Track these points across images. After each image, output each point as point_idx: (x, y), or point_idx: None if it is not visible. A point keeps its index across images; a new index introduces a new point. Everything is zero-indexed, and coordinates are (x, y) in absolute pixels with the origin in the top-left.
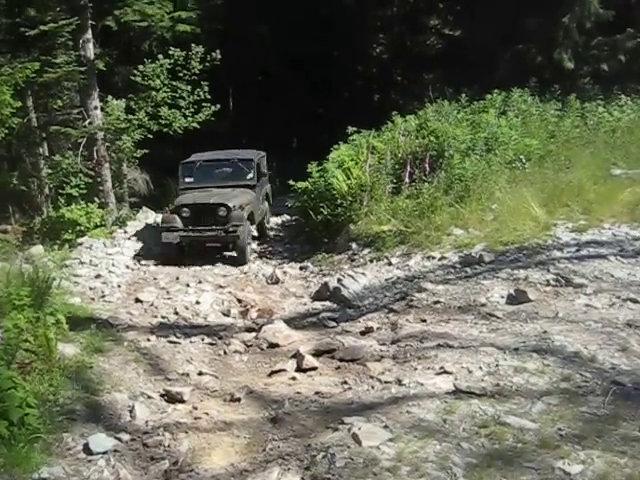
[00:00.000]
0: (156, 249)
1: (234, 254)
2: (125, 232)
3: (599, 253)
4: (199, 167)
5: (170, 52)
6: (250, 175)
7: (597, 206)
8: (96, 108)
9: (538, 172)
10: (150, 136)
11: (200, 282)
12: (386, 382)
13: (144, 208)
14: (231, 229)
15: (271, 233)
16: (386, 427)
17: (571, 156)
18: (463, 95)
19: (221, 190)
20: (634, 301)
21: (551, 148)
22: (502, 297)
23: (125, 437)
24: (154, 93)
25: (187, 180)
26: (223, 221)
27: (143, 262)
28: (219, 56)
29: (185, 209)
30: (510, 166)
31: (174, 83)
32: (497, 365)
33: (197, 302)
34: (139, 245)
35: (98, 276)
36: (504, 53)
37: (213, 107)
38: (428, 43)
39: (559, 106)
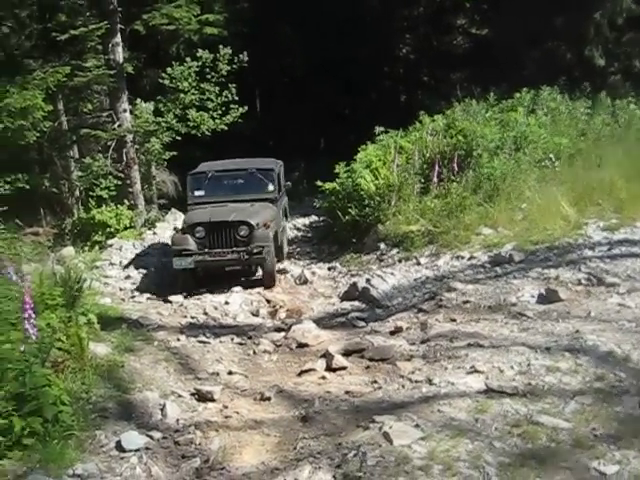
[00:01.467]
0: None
1: (258, 277)
2: (154, 233)
3: (632, 252)
4: (211, 178)
5: (198, 54)
6: (271, 187)
7: (629, 204)
8: (125, 111)
9: (568, 171)
10: (178, 138)
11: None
12: (416, 381)
13: (172, 210)
14: (255, 250)
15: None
16: (417, 426)
17: (602, 154)
18: (491, 94)
19: (238, 205)
20: None
21: (581, 146)
22: (533, 296)
23: (157, 435)
24: (182, 95)
25: (197, 194)
26: (245, 241)
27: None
28: (246, 58)
29: (199, 228)
30: (539, 165)
31: (202, 85)
32: (529, 364)
33: (226, 302)
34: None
35: (128, 277)
36: (532, 51)
37: (240, 109)
38: (455, 43)
39: (589, 104)
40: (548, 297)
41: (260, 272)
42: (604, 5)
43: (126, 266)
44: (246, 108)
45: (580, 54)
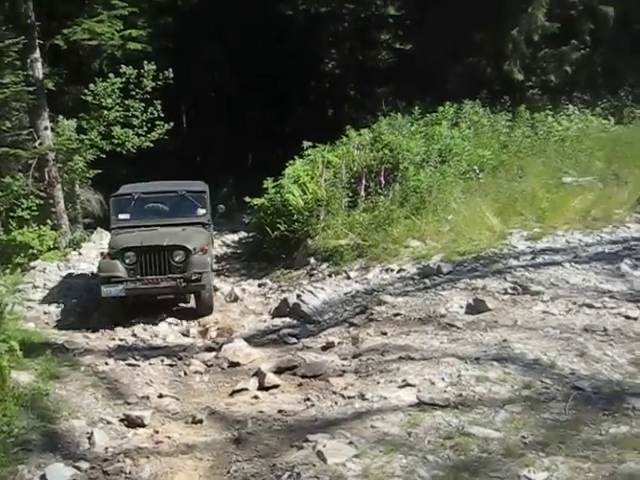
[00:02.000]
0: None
1: (193, 306)
2: (80, 254)
3: (554, 260)
4: (137, 201)
5: (121, 70)
6: (202, 211)
7: (550, 214)
8: (46, 128)
9: (492, 182)
10: (103, 156)
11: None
12: (349, 397)
13: (98, 229)
14: (194, 277)
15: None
16: (351, 443)
17: (523, 165)
18: (416, 108)
19: (169, 229)
20: (590, 306)
21: (503, 158)
22: (461, 307)
23: (84, 465)
24: (106, 112)
25: (122, 217)
26: (181, 268)
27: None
28: (171, 74)
29: (129, 253)
30: (464, 177)
31: (126, 102)
32: (459, 375)
33: (155, 323)
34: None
35: (53, 301)
36: (455, 66)
37: (166, 125)
38: (380, 57)
39: (510, 117)
40: (476, 307)
41: (192, 300)
42: (520, 22)
43: (50, 290)
44: (172, 124)
45: (500, 69)
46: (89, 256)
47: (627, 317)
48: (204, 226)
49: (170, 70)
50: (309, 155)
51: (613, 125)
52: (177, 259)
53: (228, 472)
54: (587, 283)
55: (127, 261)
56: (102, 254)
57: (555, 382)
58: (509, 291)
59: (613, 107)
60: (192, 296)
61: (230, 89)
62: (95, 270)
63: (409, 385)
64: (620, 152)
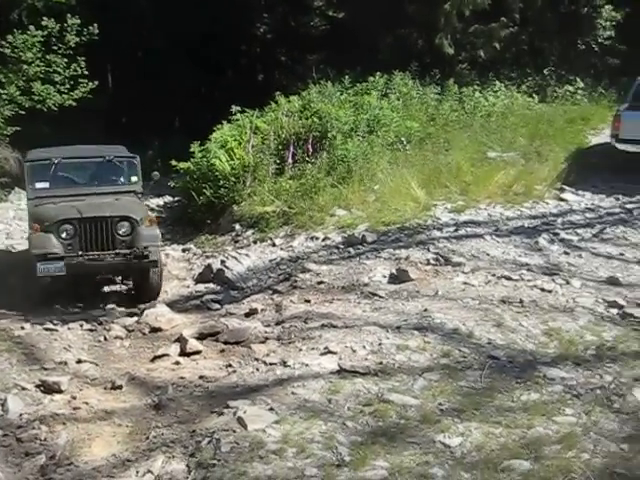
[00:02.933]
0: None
1: (135, 285)
2: None
3: (476, 233)
4: (57, 167)
5: (43, 23)
6: (134, 178)
7: (474, 187)
8: None
9: (418, 154)
10: (22, 112)
11: None
12: (271, 364)
13: (16, 189)
14: (145, 252)
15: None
16: (271, 409)
17: (450, 139)
18: (346, 77)
19: (101, 199)
20: (508, 278)
21: (431, 131)
22: (384, 277)
23: None
24: (25, 67)
25: (39, 186)
26: (127, 242)
27: None
28: (97, 30)
29: (67, 226)
30: (391, 148)
31: (48, 57)
32: (380, 344)
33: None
34: (12, 228)
35: None
36: (386, 36)
37: (90, 84)
38: (312, 24)
39: (438, 90)
40: (399, 277)
41: (130, 282)
42: None
43: None
44: (96, 83)
45: (431, 42)
46: (5, 216)
47: (542, 289)
48: (136, 195)
49: (95, 25)
50: (237, 120)
51: (537, 103)
52: (122, 231)
53: (147, 438)
54: (506, 256)
55: (64, 235)
56: (31, 228)
57: (472, 351)
58: (431, 262)
59: (538, 85)
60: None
61: (158, 49)
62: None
63: (331, 352)
64: (542, 130)
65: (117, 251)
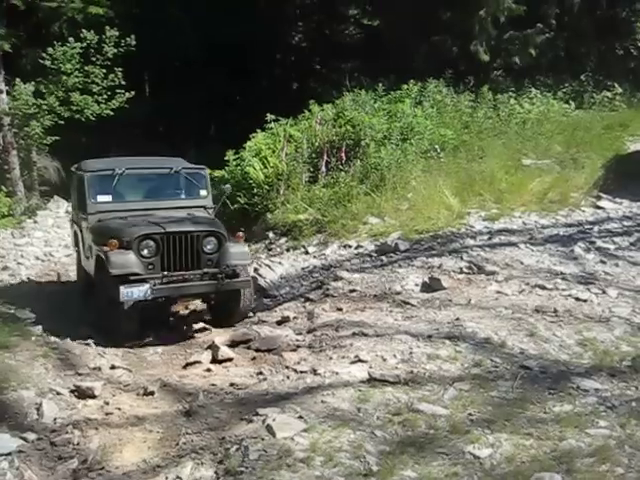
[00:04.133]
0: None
1: (219, 309)
2: (35, 222)
3: (510, 241)
4: (121, 180)
5: (82, 35)
6: (204, 192)
7: (508, 195)
8: (1, 92)
9: (452, 162)
10: (61, 122)
11: None
12: (301, 372)
13: (55, 197)
14: (236, 271)
15: None
16: (300, 417)
17: (484, 146)
18: (380, 85)
19: (173, 214)
20: (542, 287)
21: (465, 138)
22: (417, 285)
23: (31, 436)
24: (65, 77)
25: (101, 199)
26: (213, 260)
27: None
28: (134, 42)
29: (149, 242)
30: (425, 155)
31: (86, 68)
32: (411, 352)
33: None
34: (50, 235)
35: (5, 268)
36: (421, 44)
37: (127, 94)
38: (347, 32)
39: (473, 97)
40: (431, 285)
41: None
42: (487, 2)
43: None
44: (133, 93)
45: (465, 49)
46: (45, 224)
47: (577, 299)
48: (206, 211)
49: (132, 37)
50: (272, 129)
51: (573, 110)
52: (209, 248)
53: (177, 444)
54: (541, 264)
55: (145, 252)
56: (106, 245)
57: (504, 361)
58: (464, 270)
59: (574, 92)
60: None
61: (194, 58)
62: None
63: (361, 361)
64: (579, 137)
65: (205, 270)
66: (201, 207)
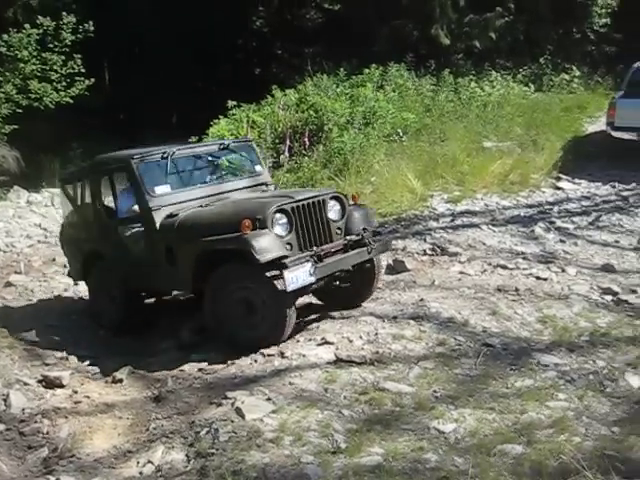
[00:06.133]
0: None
1: (355, 285)
2: None
3: (472, 222)
4: (174, 164)
5: (38, 21)
6: (259, 167)
7: (470, 177)
8: None
9: (415, 145)
10: (19, 111)
11: None
12: (269, 355)
13: (15, 187)
14: (374, 238)
15: None
16: (269, 399)
17: (446, 129)
18: (342, 69)
19: (243, 197)
20: (503, 267)
21: (427, 122)
22: (382, 267)
23: None
24: (22, 65)
25: (160, 190)
26: (342, 229)
27: None
28: (92, 28)
29: (282, 217)
30: (388, 139)
31: (44, 55)
32: (376, 333)
33: (76, 284)
34: (11, 226)
35: None
36: (382, 28)
37: (87, 81)
38: (308, 17)
39: (434, 81)
40: (395, 268)
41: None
42: None
43: None
44: (93, 80)
45: (426, 33)
46: (5, 215)
47: (538, 278)
48: (268, 188)
49: (90, 23)
50: (234, 114)
51: (533, 92)
52: (335, 216)
53: (147, 429)
54: (502, 245)
55: (279, 230)
56: (242, 224)
57: (467, 339)
58: (428, 252)
59: (534, 75)
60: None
61: (155, 45)
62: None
63: (328, 343)
64: (538, 119)
65: (347, 238)
66: (263, 184)
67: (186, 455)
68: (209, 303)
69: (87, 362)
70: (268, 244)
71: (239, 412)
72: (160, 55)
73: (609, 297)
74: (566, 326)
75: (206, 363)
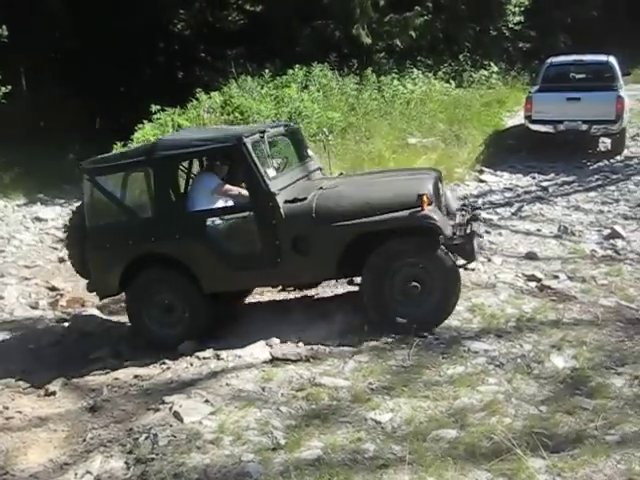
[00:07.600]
0: None
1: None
2: None
3: None
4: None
5: None
6: (310, 151)
7: None
8: None
9: (341, 144)
10: None
11: (2, 276)
12: (204, 358)
13: None
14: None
15: None
16: (207, 401)
17: (371, 127)
18: (266, 70)
19: (331, 181)
20: None
21: (352, 120)
22: None
23: None
24: None
25: (272, 174)
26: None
27: None
28: (6, 32)
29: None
30: (314, 139)
31: None
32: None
33: (0, 297)
34: None
35: None
36: (304, 29)
37: (3, 88)
38: (230, 19)
39: (358, 80)
40: None
41: None
42: None
43: None
44: (9, 87)
45: (348, 32)
46: None
47: (465, 268)
48: (322, 173)
49: (4, 27)
50: (159, 119)
51: (454, 88)
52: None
53: (84, 440)
54: None
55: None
56: (422, 200)
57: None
58: None
59: (454, 71)
60: None
61: (73, 49)
62: None
63: (264, 342)
64: (460, 114)
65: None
66: (319, 168)
67: (125, 462)
68: (370, 287)
69: (17, 376)
70: (444, 219)
71: (177, 416)
72: (79, 59)
73: (533, 284)
74: (494, 313)
75: (142, 369)
